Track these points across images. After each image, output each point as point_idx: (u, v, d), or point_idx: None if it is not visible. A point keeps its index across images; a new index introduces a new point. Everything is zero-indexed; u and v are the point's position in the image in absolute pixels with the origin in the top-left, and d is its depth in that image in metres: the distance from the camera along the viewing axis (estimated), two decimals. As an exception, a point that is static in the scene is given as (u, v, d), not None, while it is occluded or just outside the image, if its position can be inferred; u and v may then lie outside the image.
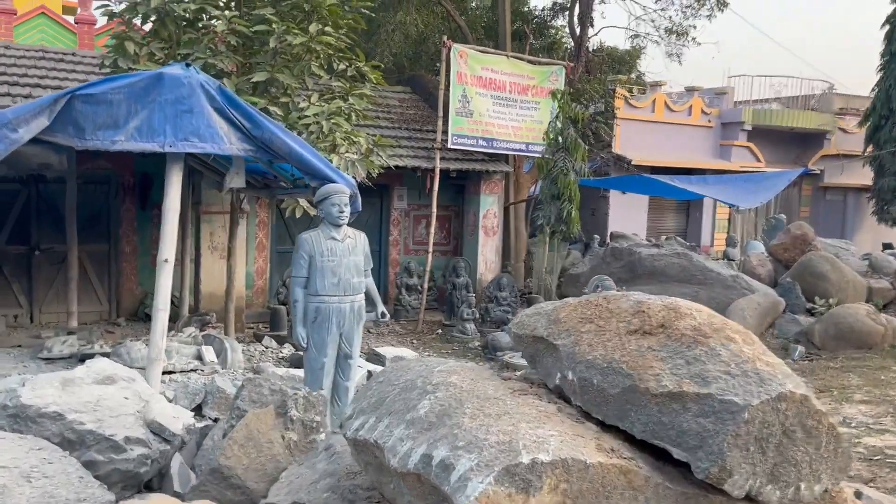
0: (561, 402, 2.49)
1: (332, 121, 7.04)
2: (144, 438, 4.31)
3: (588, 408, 2.39)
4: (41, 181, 9.53)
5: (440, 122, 10.99)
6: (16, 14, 15.41)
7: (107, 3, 7.73)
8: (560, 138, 10.34)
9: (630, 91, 18.80)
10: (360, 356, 7.98)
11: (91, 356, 7.27)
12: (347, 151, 7.20)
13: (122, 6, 7.54)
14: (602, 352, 2.36)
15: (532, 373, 2.77)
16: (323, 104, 7.09)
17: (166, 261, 5.25)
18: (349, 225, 5.53)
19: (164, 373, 6.69)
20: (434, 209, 11.01)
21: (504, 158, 12.15)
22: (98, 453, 4.14)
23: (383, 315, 5.72)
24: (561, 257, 10.89)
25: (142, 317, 9.99)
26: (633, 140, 18.02)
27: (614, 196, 18.35)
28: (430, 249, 11.06)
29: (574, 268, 11.95)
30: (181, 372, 6.75)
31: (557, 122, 10.43)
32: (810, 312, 9.86)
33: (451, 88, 10.98)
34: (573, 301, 2.74)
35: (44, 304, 9.90)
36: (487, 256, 12.01)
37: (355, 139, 7.36)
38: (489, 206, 11.93)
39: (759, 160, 19.39)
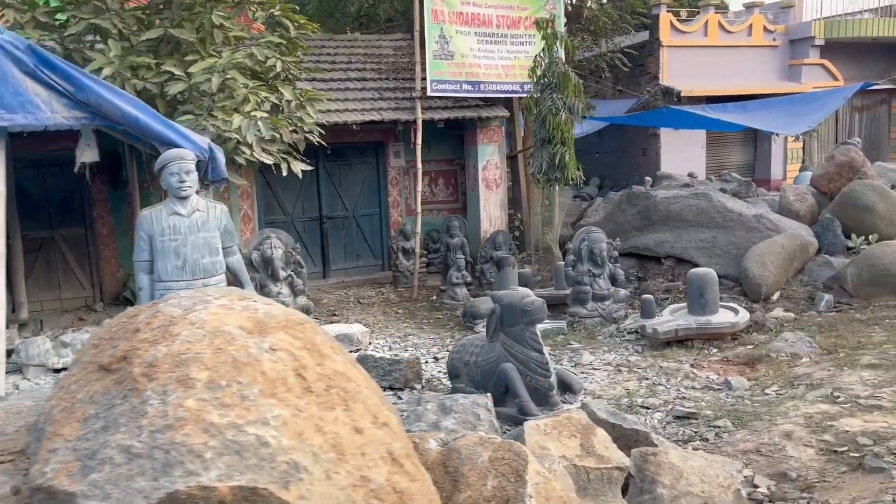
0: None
1: (229, 75, 6.22)
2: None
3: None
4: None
5: (418, 69, 9.95)
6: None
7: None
8: (546, 74, 9.11)
9: (677, 14, 16.92)
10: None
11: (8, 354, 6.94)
12: (255, 109, 6.38)
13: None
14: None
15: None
16: (216, 58, 6.27)
17: (-9, 252, 4.65)
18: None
19: (56, 370, 6.29)
20: (419, 165, 10.06)
21: (502, 102, 10.98)
22: None
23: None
24: (563, 207, 9.72)
25: (123, 301, 9.71)
26: (684, 69, 16.33)
27: (665, 133, 16.73)
28: (419, 209, 10.14)
29: (587, 217, 10.73)
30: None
31: (543, 56, 9.17)
32: (850, 251, 8.27)
33: (426, 29, 9.89)
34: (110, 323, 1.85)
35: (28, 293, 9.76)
36: (491, 212, 10.96)
37: (263, 95, 6.52)
38: (489, 157, 10.83)
39: (835, 78, 17.12)
